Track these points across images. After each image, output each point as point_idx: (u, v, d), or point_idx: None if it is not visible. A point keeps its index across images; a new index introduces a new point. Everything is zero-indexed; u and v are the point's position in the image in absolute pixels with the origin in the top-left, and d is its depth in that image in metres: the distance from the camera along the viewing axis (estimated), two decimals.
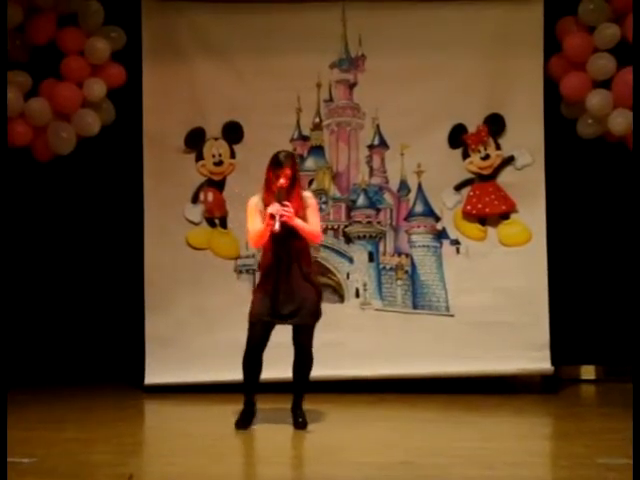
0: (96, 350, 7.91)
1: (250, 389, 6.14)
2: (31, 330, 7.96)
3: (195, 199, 7.66)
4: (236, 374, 7.30)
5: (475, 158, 7.70)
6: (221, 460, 5.31)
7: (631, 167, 7.30)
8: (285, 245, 5.91)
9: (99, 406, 6.93)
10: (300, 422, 6.13)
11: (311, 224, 5.97)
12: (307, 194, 6.12)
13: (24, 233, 7.96)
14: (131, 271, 7.70)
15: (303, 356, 6.12)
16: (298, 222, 5.88)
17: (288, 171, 5.89)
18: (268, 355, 6.06)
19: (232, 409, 6.44)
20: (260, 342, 6.01)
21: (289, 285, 5.93)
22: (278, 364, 6.16)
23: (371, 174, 7.80)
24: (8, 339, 7.70)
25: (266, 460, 5.35)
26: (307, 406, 6.39)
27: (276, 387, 6.42)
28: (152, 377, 7.46)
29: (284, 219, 5.78)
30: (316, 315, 6.06)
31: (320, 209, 7.64)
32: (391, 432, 6.17)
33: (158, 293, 7.55)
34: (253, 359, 6.03)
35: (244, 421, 6.08)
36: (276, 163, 5.96)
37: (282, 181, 5.85)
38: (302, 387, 6.22)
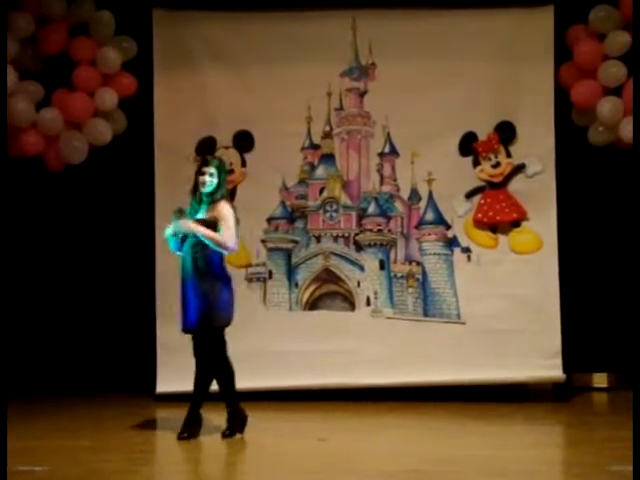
0: (108, 358, 7.94)
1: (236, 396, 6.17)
2: (43, 339, 7.99)
3: None
4: (247, 382, 7.35)
5: (486, 166, 7.70)
6: (232, 469, 5.31)
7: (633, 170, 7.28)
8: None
9: (111, 414, 6.94)
10: (227, 434, 6.08)
11: (220, 233, 5.93)
12: (221, 203, 6.03)
13: (37, 242, 8.01)
14: (142, 279, 7.72)
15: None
16: (200, 229, 5.89)
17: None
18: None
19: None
20: None
21: None
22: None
23: (382, 182, 7.80)
24: (20, 347, 7.74)
25: (278, 468, 5.35)
26: (324, 413, 6.39)
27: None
28: (163, 385, 7.46)
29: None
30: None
31: (331, 217, 7.74)
32: (402, 440, 6.17)
33: (169, 302, 7.51)
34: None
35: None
36: (197, 170, 6.05)
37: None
38: (231, 395, 6.19)
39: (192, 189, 6.05)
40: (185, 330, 6.04)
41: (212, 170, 5.98)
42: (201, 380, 6.05)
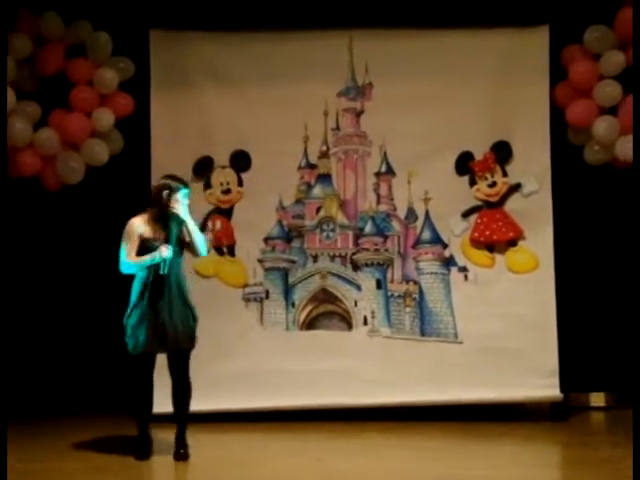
0: (106, 379, 7.88)
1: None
2: (41, 360, 7.95)
3: (203, 227, 7.67)
4: (243, 402, 7.38)
5: (482, 185, 7.71)
6: None
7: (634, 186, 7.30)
8: None
9: (110, 436, 6.90)
10: (181, 453, 6.12)
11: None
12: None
13: (33, 262, 7.98)
14: None
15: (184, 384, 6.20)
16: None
17: None
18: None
19: (240, 437, 6.44)
20: None
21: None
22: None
23: (378, 201, 7.81)
24: (18, 369, 7.71)
25: None
26: (322, 433, 6.36)
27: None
28: (160, 406, 7.41)
29: None
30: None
31: (327, 237, 7.75)
32: (400, 460, 6.15)
33: None
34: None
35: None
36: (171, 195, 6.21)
37: None
38: (185, 417, 6.23)
39: (158, 213, 6.12)
40: (161, 350, 6.07)
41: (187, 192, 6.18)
42: (187, 399, 6.17)
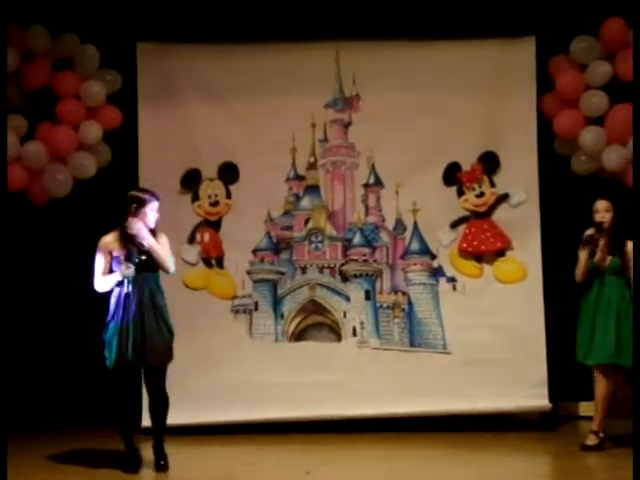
0: (95, 393, 7.83)
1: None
2: (24, 375, 7.91)
3: (191, 240, 7.68)
4: (233, 414, 7.36)
5: (470, 196, 7.73)
6: None
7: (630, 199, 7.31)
8: None
9: (99, 450, 6.87)
10: (162, 465, 6.13)
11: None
12: (162, 233, 6.32)
13: (21, 276, 7.95)
14: None
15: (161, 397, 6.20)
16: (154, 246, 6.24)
17: None
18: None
19: (230, 451, 6.41)
20: None
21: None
22: None
23: (367, 213, 7.82)
24: (9, 382, 7.67)
25: None
26: (311, 446, 6.34)
27: None
28: (149, 419, 7.42)
29: None
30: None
31: (316, 248, 7.75)
32: (389, 472, 6.17)
33: None
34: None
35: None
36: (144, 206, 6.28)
37: None
38: (162, 429, 6.23)
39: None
40: (134, 364, 6.06)
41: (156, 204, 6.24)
42: (164, 411, 6.18)
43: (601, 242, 6.64)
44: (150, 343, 6.02)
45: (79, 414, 7.75)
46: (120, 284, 6.05)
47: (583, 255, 6.69)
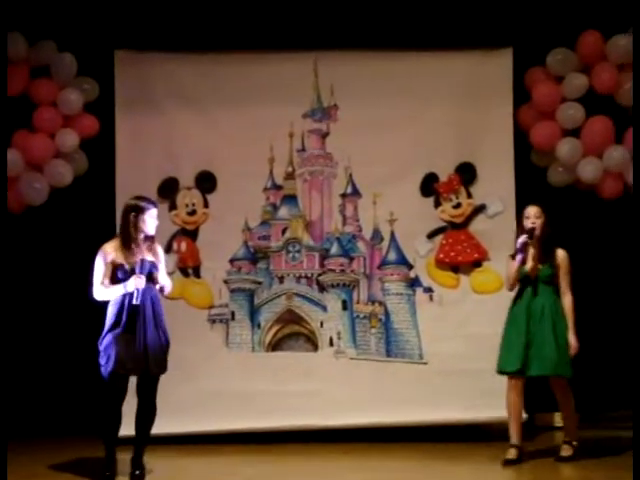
0: (84, 402, 7.76)
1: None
2: (19, 382, 7.85)
3: (168, 249, 7.63)
4: (208, 424, 7.34)
5: (447, 206, 7.76)
6: None
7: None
8: None
9: (90, 458, 6.78)
10: (137, 475, 6.07)
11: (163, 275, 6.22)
12: (157, 245, 6.22)
13: None
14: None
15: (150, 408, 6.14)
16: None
17: None
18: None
19: (206, 461, 6.37)
20: None
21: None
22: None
23: (344, 223, 7.83)
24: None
25: None
26: (287, 456, 6.31)
27: None
28: (127, 429, 7.37)
29: None
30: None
31: (293, 258, 7.74)
32: None
33: None
34: None
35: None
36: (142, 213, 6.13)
37: None
38: (145, 440, 6.18)
39: (127, 237, 6.02)
40: (132, 372, 6.01)
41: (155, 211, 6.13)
42: (150, 422, 6.12)
43: (532, 251, 6.62)
44: (153, 353, 5.97)
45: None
46: (125, 294, 5.96)
47: (513, 264, 6.65)
